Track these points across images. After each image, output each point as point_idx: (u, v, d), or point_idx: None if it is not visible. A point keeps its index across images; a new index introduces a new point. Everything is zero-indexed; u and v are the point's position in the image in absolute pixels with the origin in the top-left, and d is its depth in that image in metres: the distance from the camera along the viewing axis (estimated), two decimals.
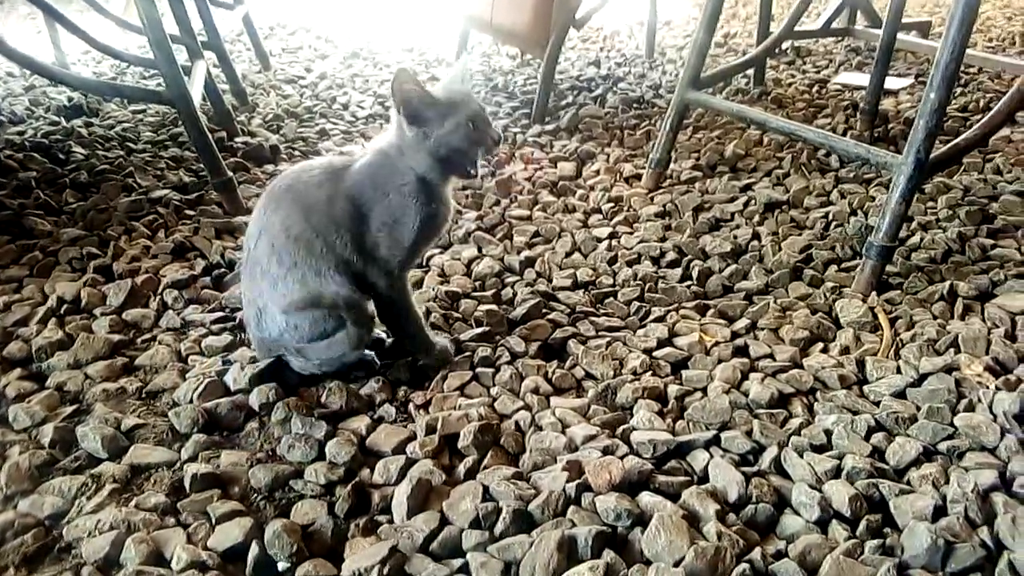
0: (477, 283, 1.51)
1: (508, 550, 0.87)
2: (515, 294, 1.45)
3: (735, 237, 1.67)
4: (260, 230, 1.14)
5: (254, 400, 1.13)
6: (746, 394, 1.15)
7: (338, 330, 1.15)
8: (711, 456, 1.01)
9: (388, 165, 1.15)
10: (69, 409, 1.13)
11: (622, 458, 0.99)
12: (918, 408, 1.09)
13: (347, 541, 0.90)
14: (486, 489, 0.96)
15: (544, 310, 1.39)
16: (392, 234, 1.14)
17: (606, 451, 1.01)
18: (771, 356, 1.26)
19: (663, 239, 1.68)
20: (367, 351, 1.23)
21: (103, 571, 0.86)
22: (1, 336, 1.29)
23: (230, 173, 1.79)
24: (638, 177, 2.01)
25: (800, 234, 1.68)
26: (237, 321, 1.34)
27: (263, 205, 1.15)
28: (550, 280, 1.52)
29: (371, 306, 1.21)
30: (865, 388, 1.17)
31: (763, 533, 0.91)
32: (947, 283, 1.41)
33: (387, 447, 1.05)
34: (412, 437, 1.07)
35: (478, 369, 1.22)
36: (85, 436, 1.05)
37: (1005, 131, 2.16)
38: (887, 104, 2.48)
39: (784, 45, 3.24)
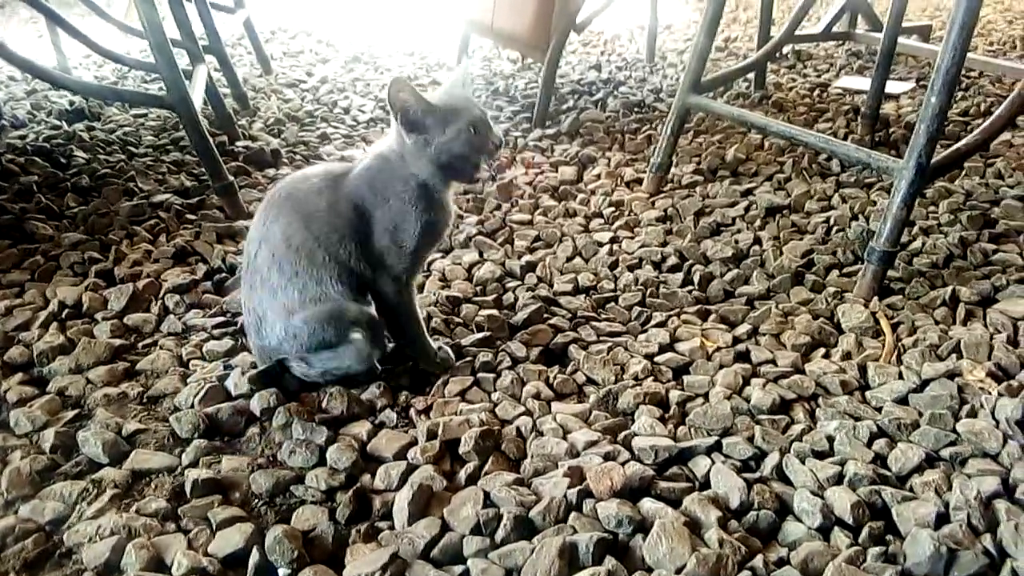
0: (478, 288, 1.51)
1: (509, 557, 0.87)
2: (516, 299, 1.45)
3: (736, 242, 1.67)
4: (260, 240, 1.14)
5: (255, 405, 1.13)
6: (748, 400, 1.15)
7: (341, 342, 1.14)
8: (713, 462, 1.01)
9: (388, 170, 1.14)
10: (70, 414, 1.12)
11: (623, 464, 0.99)
12: (920, 414, 1.09)
13: (348, 547, 0.90)
14: (487, 495, 0.96)
15: (545, 315, 1.39)
16: (394, 240, 1.14)
17: (607, 457, 1.01)
18: (773, 361, 1.25)
19: (664, 243, 1.68)
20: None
21: None
22: (2, 340, 1.29)
23: (231, 177, 1.79)
24: (639, 181, 2.01)
25: (801, 239, 1.68)
26: (238, 326, 1.34)
27: (262, 215, 1.15)
28: (551, 285, 1.52)
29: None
30: (867, 394, 1.17)
31: (765, 540, 0.90)
32: (949, 288, 1.40)
33: (388, 452, 1.05)
34: (413, 442, 1.07)
35: (479, 374, 1.22)
36: (86, 441, 1.05)
37: (1006, 135, 2.16)
38: (888, 108, 2.48)
39: (785, 49, 3.24)
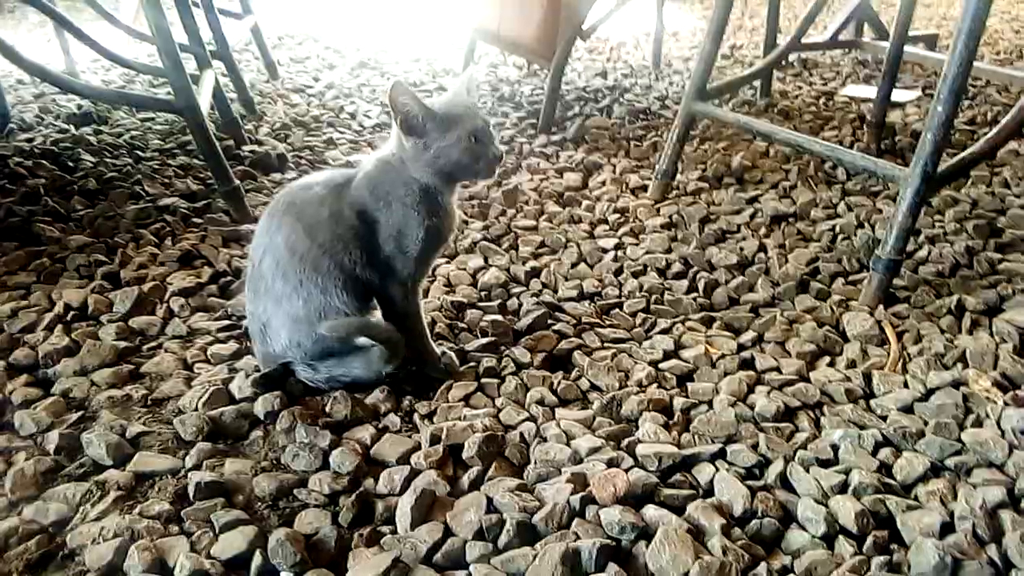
0: (483, 293, 1.51)
1: (512, 562, 0.86)
2: (521, 304, 1.45)
3: (741, 249, 1.67)
4: (264, 248, 1.14)
5: (259, 409, 1.13)
6: (752, 407, 1.14)
7: (344, 351, 1.15)
8: (717, 469, 1.01)
9: (390, 175, 1.14)
10: (75, 416, 1.13)
11: (627, 471, 0.99)
12: (925, 423, 1.09)
13: (350, 551, 0.90)
14: (490, 500, 0.95)
15: (550, 321, 1.39)
16: (399, 246, 1.14)
17: (611, 463, 1.01)
18: (777, 369, 1.25)
19: (669, 250, 1.68)
20: None
21: None
22: (8, 342, 1.30)
23: (237, 181, 1.80)
24: (644, 188, 2.01)
25: (807, 246, 1.68)
26: (243, 329, 1.34)
27: (266, 223, 1.15)
28: (556, 291, 1.52)
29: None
30: (872, 402, 1.16)
31: (768, 548, 0.90)
32: (955, 297, 1.40)
33: (391, 457, 1.05)
34: (416, 447, 1.07)
35: (483, 379, 1.22)
36: (90, 443, 1.05)
37: (1013, 144, 2.15)
38: (894, 117, 2.48)
39: (791, 57, 3.25)
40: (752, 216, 1.82)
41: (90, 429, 1.09)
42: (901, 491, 0.97)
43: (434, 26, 4.07)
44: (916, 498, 0.96)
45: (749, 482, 0.98)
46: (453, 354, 1.26)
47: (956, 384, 1.16)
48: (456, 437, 1.06)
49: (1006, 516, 0.90)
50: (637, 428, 1.11)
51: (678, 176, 2.03)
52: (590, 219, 1.85)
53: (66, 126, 2.33)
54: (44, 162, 2.00)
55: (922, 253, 1.60)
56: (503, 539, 0.89)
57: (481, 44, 2.94)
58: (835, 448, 1.05)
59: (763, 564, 0.85)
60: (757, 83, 2.79)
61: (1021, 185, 1.92)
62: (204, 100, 1.85)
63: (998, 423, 1.07)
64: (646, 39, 3.70)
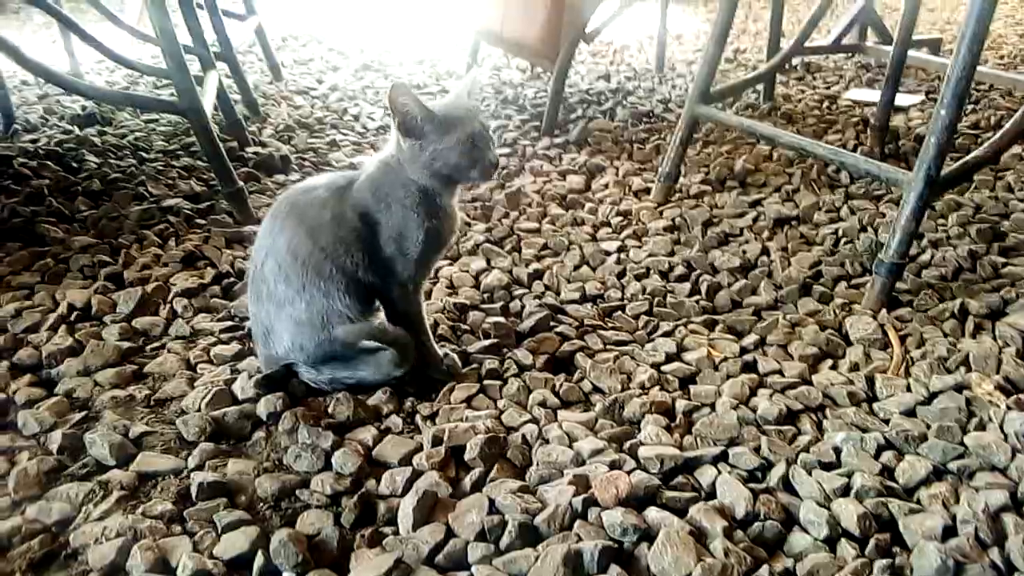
0: (485, 295, 1.51)
1: (513, 564, 0.86)
2: (523, 307, 1.45)
3: (744, 252, 1.67)
4: (266, 251, 1.14)
5: (261, 409, 1.13)
6: (754, 410, 1.14)
7: (349, 355, 1.15)
8: (719, 472, 1.01)
9: (391, 177, 1.14)
10: (78, 416, 1.13)
11: (629, 473, 0.99)
12: (928, 426, 1.09)
13: (352, 552, 0.90)
14: (492, 502, 0.95)
15: (552, 323, 1.39)
16: (399, 248, 1.14)
17: (613, 465, 1.01)
18: (780, 372, 1.25)
19: (672, 253, 1.68)
20: None
21: None
22: (11, 342, 1.30)
23: (241, 183, 1.80)
24: (647, 191, 2.01)
25: (810, 250, 1.68)
26: (246, 330, 1.34)
27: (268, 226, 1.15)
28: (558, 293, 1.52)
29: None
30: (875, 406, 1.16)
31: (771, 551, 0.90)
32: (958, 301, 1.40)
33: (394, 458, 1.05)
34: (419, 448, 1.07)
35: (485, 381, 1.22)
36: (93, 443, 1.05)
37: (1016, 148, 2.15)
38: (897, 121, 2.48)
39: (794, 61, 3.25)
40: (755, 219, 1.82)
41: (93, 429, 1.09)
42: (903, 494, 0.97)
43: (438, 28, 4.08)
44: (918, 501, 0.96)
45: (751, 485, 0.98)
46: (455, 356, 1.26)
47: (959, 388, 1.16)
48: (458, 438, 1.06)
49: (1009, 520, 0.90)
50: (639, 430, 1.11)
51: (681, 179, 2.03)
52: (593, 222, 1.85)
53: (70, 127, 2.34)
54: (48, 163, 2.00)
55: (925, 257, 1.60)
56: (505, 540, 0.89)
57: (485, 46, 2.96)
58: (837, 451, 1.04)
59: (765, 567, 0.85)
60: (760, 87, 2.79)
61: None
62: (208, 102, 1.86)
63: (1001, 427, 1.07)
64: (650, 42, 3.70)
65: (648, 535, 0.89)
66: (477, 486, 1.00)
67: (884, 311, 1.39)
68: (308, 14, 4.45)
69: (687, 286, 1.54)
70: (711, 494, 0.98)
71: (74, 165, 2.03)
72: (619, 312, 1.46)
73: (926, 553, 0.85)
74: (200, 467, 1.03)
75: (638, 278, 1.58)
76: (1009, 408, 1.10)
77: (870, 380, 1.22)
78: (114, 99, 2.20)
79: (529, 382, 1.22)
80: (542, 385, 1.21)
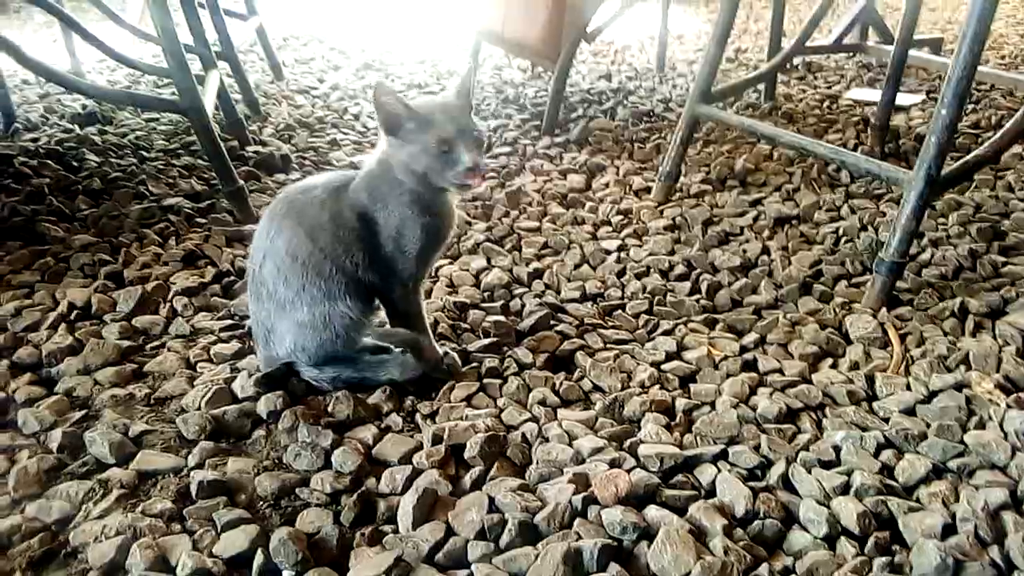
0: (485, 294, 1.51)
1: (513, 562, 0.86)
2: (523, 305, 1.45)
3: (744, 251, 1.66)
4: (264, 252, 1.13)
5: (261, 408, 1.13)
6: (754, 409, 1.14)
7: (350, 357, 1.17)
8: (719, 470, 1.01)
9: (386, 175, 1.13)
10: (78, 414, 1.13)
11: (629, 471, 0.99)
12: (928, 425, 1.09)
13: (352, 550, 0.90)
14: (492, 500, 0.95)
15: (552, 322, 1.39)
16: (398, 246, 1.14)
17: (613, 464, 1.01)
18: (780, 371, 1.25)
19: (672, 252, 1.68)
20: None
21: None
22: (11, 341, 1.30)
23: (241, 182, 1.80)
24: (648, 190, 2.01)
25: (810, 249, 1.68)
26: (246, 329, 1.35)
27: (265, 227, 1.15)
28: (558, 292, 1.52)
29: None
30: (874, 404, 1.16)
31: (770, 549, 0.90)
32: (958, 300, 1.40)
33: (393, 457, 1.05)
34: (418, 447, 1.07)
35: (485, 380, 1.22)
36: (93, 441, 1.06)
37: (1017, 148, 2.15)
38: (898, 120, 2.48)
39: (795, 60, 3.25)
40: (755, 219, 1.82)
41: (93, 428, 1.09)
42: (903, 493, 0.97)
43: (439, 28, 4.08)
44: (918, 500, 0.96)
45: (751, 483, 0.98)
46: (455, 354, 1.26)
47: (959, 386, 1.16)
48: (458, 437, 1.06)
49: (1008, 518, 0.90)
50: (639, 429, 1.11)
51: (681, 178, 2.03)
52: (593, 220, 1.85)
53: (71, 126, 2.34)
54: (49, 162, 2.00)
55: (925, 256, 1.60)
56: (505, 539, 0.89)
57: (486, 46, 2.96)
58: (837, 449, 1.04)
59: (765, 565, 0.85)
60: (761, 86, 2.79)
61: None
62: (209, 101, 1.86)
63: (1001, 425, 1.07)
64: (651, 42, 3.70)
65: (648, 533, 0.89)
66: (477, 484, 1.00)
67: (884, 310, 1.39)
68: (309, 13, 4.45)
69: (687, 285, 1.54)
70: (711, 492, 0.98)
71: (75, 164, 2.03)
72: (619, 311, 1.46)
73: (926, 551, 0.84)
74: (200, 465, 1.03)
75: (638, 277, 1.58)
76: (1009, 407, 1.10)
77: (870, 379, 1.21)
78: (115, 98, 2.20)
79: (529, 381, 1.22)
80: (542, 384, 1.21)
